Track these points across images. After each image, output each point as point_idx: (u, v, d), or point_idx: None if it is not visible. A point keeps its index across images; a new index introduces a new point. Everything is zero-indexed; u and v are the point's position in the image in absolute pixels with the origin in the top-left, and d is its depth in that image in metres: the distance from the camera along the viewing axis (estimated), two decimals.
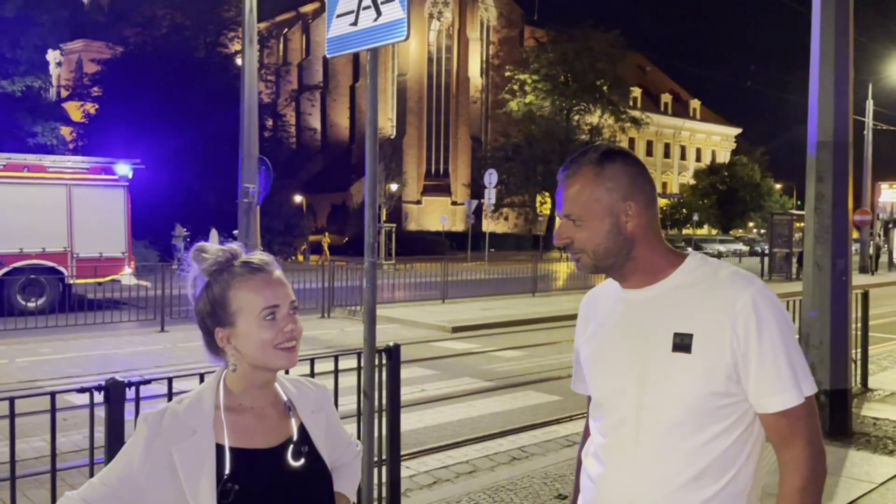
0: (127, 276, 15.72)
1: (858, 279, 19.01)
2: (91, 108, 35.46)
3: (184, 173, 30.69)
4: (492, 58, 64.87)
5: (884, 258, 34.20)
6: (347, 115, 64.82)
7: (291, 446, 1.54)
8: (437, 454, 6.04)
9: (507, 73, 55.54)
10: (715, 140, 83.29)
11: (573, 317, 1.85)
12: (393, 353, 4.08)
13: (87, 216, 15.33)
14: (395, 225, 34.95)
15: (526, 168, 49.96)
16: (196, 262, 1.53)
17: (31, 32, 27.48)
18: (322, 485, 1.58)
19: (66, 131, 33.87)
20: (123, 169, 15.97)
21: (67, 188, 15.28)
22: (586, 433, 1.80)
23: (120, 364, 9.67)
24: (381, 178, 41.44)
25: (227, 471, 1.45)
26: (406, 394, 6.12)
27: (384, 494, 4.16)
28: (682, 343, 1.52)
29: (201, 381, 2.13)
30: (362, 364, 3.76)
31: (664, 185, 76.87)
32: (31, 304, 14.42)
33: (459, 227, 53.91)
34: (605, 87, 53.27)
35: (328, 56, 3.82)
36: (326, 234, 43.28)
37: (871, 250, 30.55)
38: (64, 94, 41.75)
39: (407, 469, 5.34)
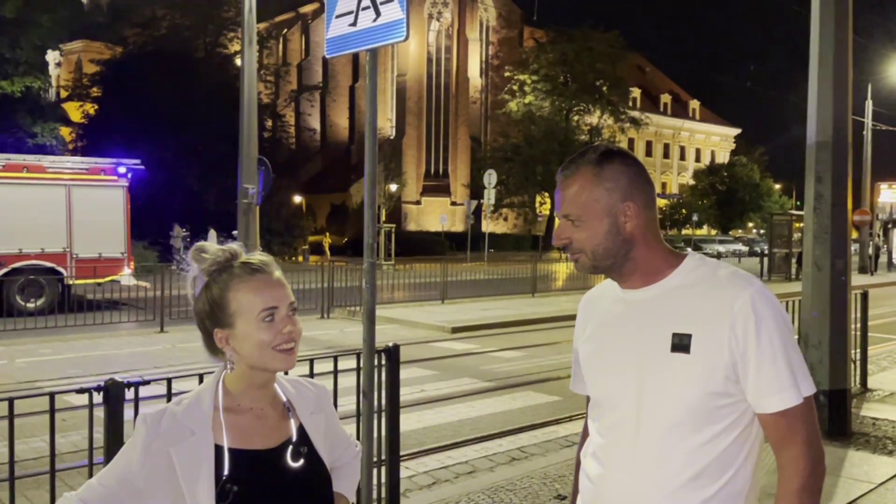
0: (126, 276, 15.72)
1: (858, 279, 19.02)
2: (90, 108, 35.47)
3: (183, 174, 30.70)
4: (491, 58, 64.89)
5: (883, 258, 34.23)
6: (347, 116, 64.81)
7: (290, 447, 1.53)
8: (437, 455, 6.03)
9: (507, 74, 55.55)
10: (714, 140, 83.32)
11: (573, 317, 1.85)
12: (392, 353, 4.08)
13: (87, 217, 15.32)
14: (394, 225, 34.95)
15: (525, 168, 49.99)
16: (196, 262, 1.53)
17: (31, 33, 27.49)
18: (321, 485, 1.58)
19: (65, 132, 33.88)
20: (123, 169, 15.98)
21: (67, 189, 15.28)
22: (585, 433, 1.80)
23: (119, 365, 9.66)
24: (381, 178, 41.45)
25: (225, 472, 1.45)
26: (405, 394, 6.12)
27: (383, 495, 4.16)
28: (681, 343, 1.52)
29: (200, 381, 2.13)
30: (362, 364, 3.76)
31: (663, 185, 76.89)
32: (31, 305, 14.40)
33: (459, 227, 53.89)
34: (604, 88, 53.29)
35: (327, 56, 3.82)
36: (327, 234, 43.29)
37: (870, 250, 30.58)
38: (63, 94, 41.82)
39: (406, 469, 5.33)
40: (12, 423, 2.91)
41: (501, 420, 7.20)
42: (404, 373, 4.70)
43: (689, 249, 1.81)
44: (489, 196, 32.54)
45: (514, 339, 12.41)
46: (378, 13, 3.46)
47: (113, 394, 2.95)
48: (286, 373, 1.64)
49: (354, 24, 3.59)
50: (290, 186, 39.10)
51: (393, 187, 46.92)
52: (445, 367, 9.94)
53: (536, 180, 50.01)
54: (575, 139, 50.03)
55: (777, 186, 72.47)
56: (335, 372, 3.74)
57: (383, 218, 39.83)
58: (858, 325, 7.95)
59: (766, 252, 27.91)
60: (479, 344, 11.90)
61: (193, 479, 1.43)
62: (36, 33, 27.66)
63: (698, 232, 65.17)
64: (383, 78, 60.22)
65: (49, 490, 3.03)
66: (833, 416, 6.21)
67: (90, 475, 2.64)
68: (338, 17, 3.69)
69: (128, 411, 2.92)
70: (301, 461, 1.54)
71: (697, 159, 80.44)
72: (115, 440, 2.89)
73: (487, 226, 39.50)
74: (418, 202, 60.49)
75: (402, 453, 4.44)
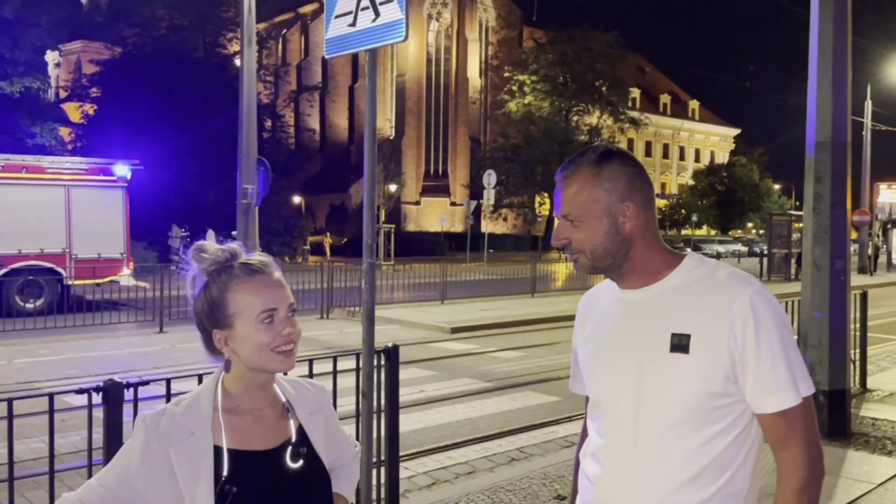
0: (125, 276, 15.71)
1: (857, 279, 19.05)
2: (90, 108, 35.47)
3: (182, 174, 30.68)
4: (491, 58, 64.89)
5: (882, 258, 34.25)
6: (346, 116, 64.83)
7: (290, 448, 1.53)
8: (436, 455, 6.03)
9: (506, 74, 55.57)
10: (714, 141, 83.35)
11: (572, 317, 1.85)
12: (392, 353, 4.08)
13: (86, 217, 15.32)
14: (393, 226, 34.98)
15: (525, 169, 50.02)
16: (195, 262, 1.53)
17: (30, 33, 27.50)
18: (320, 486, 1.57)
19: (64, 132, 33.87)
20: (122, 170, 15.96)
21: (66, 189, 15.27)
22: (584, 433, 1.80)
23: (118, 365, 9.65)
24: (380, 178, 41.45)
25: (224, 472, 1.45)
26: (405, 394, 6.12)
27: (383, 495, 4.16)
28: (680, 343, 1.52)
29: (200, 382, 2.12)
30: (361, 365, 3.76)
31: (663, 185, 76.92)
32: (30, 305, 14.40)
33: (458, 227, 53.90)
34: (603, 88, 53.34)
35: (327, 57, 3.82)
36: (328, 234, 43.28)
37: (869, 251, 30.60)
38: (62, 94, 41.80)
39: (406, 470, 5.33)
40: (11, 423, 2.91)
41: (501, 420, 7.20)
42: (404, 373, 4.70)
43: (688, 250, 1.82)
44: (488, 196, 32.55)
45: (514, 339, 12.41)
46: (377, 13, 3.46)
47: (112, 394, 2.95)
48: (285, 373, 1.63)
49: (354, 24, 3.60)
50: (289, 187, 39.13)
51: (392, 187, 46.92)
52: (445, 367, 9.94)
53: (536, 180, 50.06)
54: (574, 139, 50.08)
55: (776, 187, 72.51)
56: (334, 372, 3.74)
57: (382, 218, 39.83)
58: (858, 326, 7.96)
59: (766, 252, 27.94)
60: (479, 344, 11.90)
61: (192, 480, 1.43)
62: (35, 34, 27.67)
63: (698, 232, 65.19)
64: (383, 78, 60.21)
65: (48, 490, 3.03)
66: (832, 416, 6.21)
67: (89, 476, 2.64)
68: (337, 17, 3.69)
69: (127, 412, 2.92)
70: (300, 462, 1.53)
71: (697, 159, 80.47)
72: (114, 441, 2.89)
73: (487, 226, 39.50)
74: (418, 202, 60.50)
75: (401, 454, 4.44)
